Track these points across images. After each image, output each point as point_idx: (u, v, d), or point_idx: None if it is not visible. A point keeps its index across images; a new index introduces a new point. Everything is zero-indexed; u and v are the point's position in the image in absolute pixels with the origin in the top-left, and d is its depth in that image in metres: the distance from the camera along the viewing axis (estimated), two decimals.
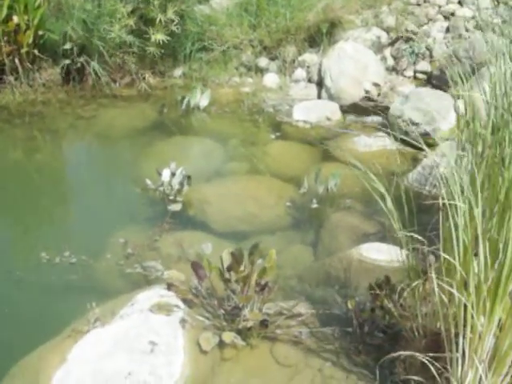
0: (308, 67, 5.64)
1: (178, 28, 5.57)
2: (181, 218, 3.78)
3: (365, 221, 3.69)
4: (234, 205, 3.94)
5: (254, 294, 2.73)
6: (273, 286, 2.79)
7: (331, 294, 3.04)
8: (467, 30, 5.36)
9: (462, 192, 2.02)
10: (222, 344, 2.63)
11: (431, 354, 2.19)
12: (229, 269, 2.72)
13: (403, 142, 4.06)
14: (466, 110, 2.44)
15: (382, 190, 2.43)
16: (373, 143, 4.57)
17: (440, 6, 5.71)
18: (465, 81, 2.52)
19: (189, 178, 4.00)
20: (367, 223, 3.65)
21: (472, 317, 2.03)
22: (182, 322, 2.69)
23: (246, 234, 3.62)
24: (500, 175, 2.02)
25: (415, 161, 4.22)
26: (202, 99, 5.29)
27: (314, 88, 5.51)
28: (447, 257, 2.08)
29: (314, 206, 3.92)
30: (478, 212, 1.93)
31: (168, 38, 5.55)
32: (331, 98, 5.28)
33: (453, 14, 5.58)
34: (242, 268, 2.68)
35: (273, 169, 4.36)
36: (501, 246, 1.93)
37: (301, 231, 3.77)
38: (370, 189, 2.46)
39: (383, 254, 3.08)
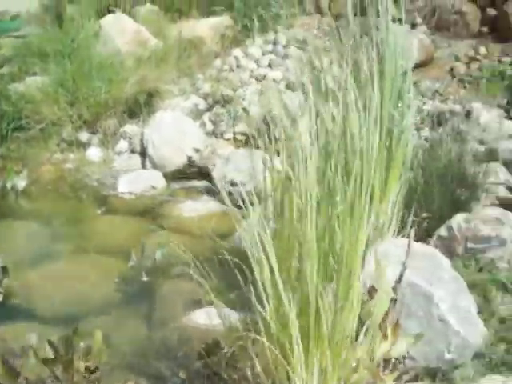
0: (130, 138, 5.63)
1: None
2: (2, 311, 3.53)
3: (196, 286, 3.69)
4: (61, 288, 3.75)
5: (83, 380, 2.60)
6: (103, 368, 2.69)
7: (167, 366, 2.99)
8: (279, 91, 5.68)
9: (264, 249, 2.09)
10: None
11: None
12: (49, 359, 2.57)
13: (228, 203, 4.15)
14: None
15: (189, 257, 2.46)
16: (198, 207, 4.63)
17: (252, 70, 6.01)
18: (278, 138, 2.63)
19: (4, 268, 3.74)
20: (199, 289, 3.66)
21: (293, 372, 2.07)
22: None
23: (76, 317, 3.42)
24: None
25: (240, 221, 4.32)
26: (19, 180, 5.08)
27: (137, 158, 5.50)
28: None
29: (144, 278, 3.86)
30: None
31: None
32: (155, 166, 5.30)
33: (265, 77, 5.91)
34: (63, 354, 2.54)
35: (100, 245, 4.23)
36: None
37: (133, 306, 3.67)
38: (190, 255, 2.48)
39: (214, 319, 3.08)
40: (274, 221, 2.41)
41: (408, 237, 2.61)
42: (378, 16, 3.49)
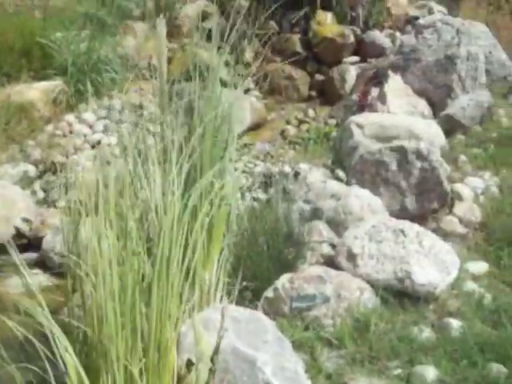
0: None
1: None
2: None
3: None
4: None
5: None
6: None
7: None
8: (113, 156, 5.59)
9: None
10: None
11: None
12: None
13: (60, 275, 3.96)
14: None
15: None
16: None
17: (86, 136, 5.90)
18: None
19: None
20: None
21: None
22: None
23: None
24: None
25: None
26: None
27: None
28: None
29: None
30: None
31: None
32: None
33: (99, 143, 5.81)
34: None
35: None
36: None
37: None
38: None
39: None
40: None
41: (233, 301, 2.62)
42: (209, 80, 3.59)
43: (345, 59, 7.13)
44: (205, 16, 7.62)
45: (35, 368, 2.09)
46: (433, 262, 3.12)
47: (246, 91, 6.63)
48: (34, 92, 6.06)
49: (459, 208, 3.88)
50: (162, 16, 3.60)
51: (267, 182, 4.44)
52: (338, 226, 3.60)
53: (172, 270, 1.98)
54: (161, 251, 1.98)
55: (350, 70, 6.90)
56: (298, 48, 7.34)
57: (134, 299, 2.03)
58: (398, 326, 2.92)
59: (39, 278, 4.35)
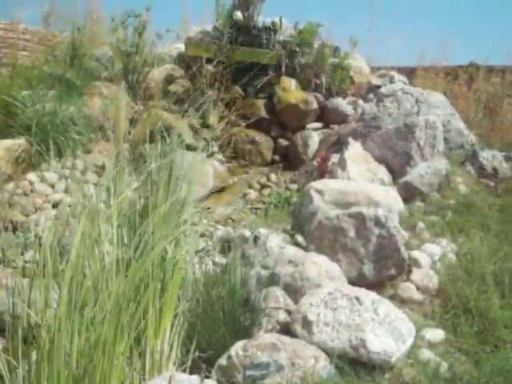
0: None
1: None
2: None
3: None
4: None
5: None
6: None
7: None
8: (74, 216, 5.54)
9: None
10: None
11: None
12: None
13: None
14: None
15: None
16: None
17: (47, 195, 5.84)
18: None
19: None
20: None
21: None
22: None
23: None
24: None
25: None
26: None
27: None
28: None
29: None
30: None
31: None
32: None
33: (60, 202, 5.75)
34: None
35: None
36: None
37: None
38: None
39: None
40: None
41: (187, 369, 2.57)
42: (171, 144, 3.63)
43: (308, 125, 7.27)
44: (171, 79, 7.78)
45: None
46: (388, 330, 3.11)
47: (210, 155, 6.70)
48: None
49: (416, 275, 3.91)
50: (124, 81, 3.65)
51: (227, 245, 4.42)
52: (295, 292, 3.59)
53: (118, 337, 1.94)
54: (108, 315, 1.95)
55: (313, 136, 7.03)
56: (263, 113, 7.47)
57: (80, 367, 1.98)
58: None
59: None
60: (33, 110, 6.27)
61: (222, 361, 2.99)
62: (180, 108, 7.15)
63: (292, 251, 3.93)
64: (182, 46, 8.32)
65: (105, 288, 2.24)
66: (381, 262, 3.87)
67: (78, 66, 7.56)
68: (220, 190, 6.33)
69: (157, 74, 7.86)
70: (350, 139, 5.31)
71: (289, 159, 7.19)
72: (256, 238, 4.43)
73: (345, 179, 4.79)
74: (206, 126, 7.02)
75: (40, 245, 5.26)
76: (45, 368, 2.05)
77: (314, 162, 5.56)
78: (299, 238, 4.32)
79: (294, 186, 6.16)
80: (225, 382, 2.90)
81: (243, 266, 3.73)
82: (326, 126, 7.22)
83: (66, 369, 1.91)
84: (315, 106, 7.33)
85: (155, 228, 2.64)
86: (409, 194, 4.85)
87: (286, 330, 3.30)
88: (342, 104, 7.35)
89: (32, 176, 5.97)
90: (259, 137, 7.33)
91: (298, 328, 3.18)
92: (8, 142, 6.18)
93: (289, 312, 3.42)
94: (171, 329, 2.76)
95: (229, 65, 7.44)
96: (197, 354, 2.86)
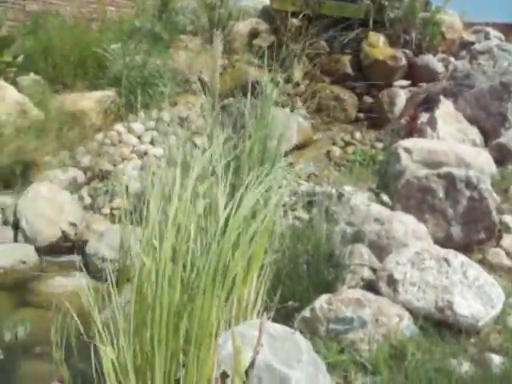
0: (3, 209, 5.39)
1: None
2: None
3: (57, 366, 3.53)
4: None
5: None
6: None
7: None
8: (159, 167, 5.68)
9: None
10: None
11: None
12: None
13: (100, 279, 4.04)
14: None
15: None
16: (68, 283, 4.46)
17: (134, 146, 6.00)
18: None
19: None
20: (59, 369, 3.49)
21: None
22: None
23: None
24: None
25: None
26: None
27: (10, 231, 5.26)
28: None
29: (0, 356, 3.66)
30: None
31: None
32: (27, 240, 5.09)
33: (146, 153, 5.89)
34: None
35: None
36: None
37: None
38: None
39: None
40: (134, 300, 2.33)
41: (270, 318, 2.61)
42: (260, 99, 3.63)
43: (395, 82, 7.07)
44: (256, 33, 7.72)
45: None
46: (477, 294, 3.04)
47: (294, 110, 6.64)
48: (87, 101, 6.21)
49: (507, 240, 3.78)
50: (217, 31, 3.64)
51: (310, 201, 4.42)
52: (380, 250, 3.55)
53: (217, 282, 1.99)
54: (208, 263, 2.01)
55: (400, 94, 6.83)
56: (348, 69, 7.32)
57: (179, 307, 2.05)
58: (436, 357, 2.85)
59: (79, 281, 4.45)
60: (122, 63, 6.39)
61: (306, 313, 3.01)
62: (264, 62, 7.10)
63: (378, 209, 3.87)
64: (266, 0, 8.22)
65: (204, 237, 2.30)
66: (470, 225, 3.76)
67: (164, 20, 7.63)
68: (303, 146, 6.29)
69: (241, 27, 7.82)
70: (441, 98, 5.12)
71: (373, 117, 7.03)
72: (340, 195, 4.41)
73: (434, 139, 4.65)
74: (290, 81, 6.95)
75: (127, 193, 5.50)
76: (143, 310, 2.13)
77: (402, 121, 5.41)
78: (384, 197, 4.25)
79: (380, 145, 6.04)
80: (307, 333, 2.92)
81: (327, 222, 3.72)
82: (414, 83, 6.99)
83: (167, 312, 1.98)
84: (403, 62, 7.10)
85: (249, 182, 2.68)
86: (502, 156, 4.65)
87: (370, 287, 3.28)
88: (432, 61, 7.07)
89: (120, 127, 6.14)
90: (344, 93, 7.19)
91: (382, 286, 3.15)
92: (98, 94, 6.36)
93: (373, 270, 3.40)
94: (258, 278, 2.80)
95: (314, 19, 7.29)
96: (280, 303, 2.89)
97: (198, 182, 2.78)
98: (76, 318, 2.53)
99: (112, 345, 2.16)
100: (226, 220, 2.29)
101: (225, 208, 2.34)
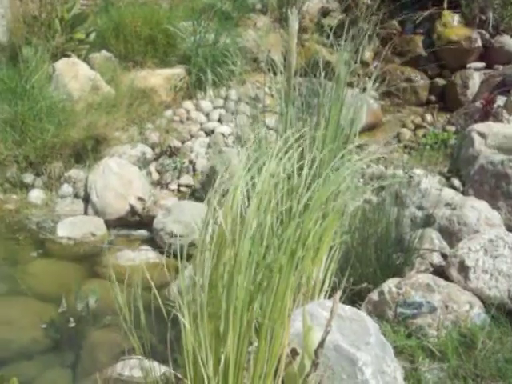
0: (74, 183, 5.55)
1: None
2: None
3: (126, 337, 3.63)
4: None
5: None
6: None
7: None
8: (226, 145, 5.72)
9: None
10: None
11: None
12: None
13: (167, 254, 4.12)
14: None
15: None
16: (136, 257, 4.56)
17: (202, 123, 6.05)
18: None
19: None
20: (128, 339, 3.60)
21: None
22: None
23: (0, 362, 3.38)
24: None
25: (178, 272, 4.29)
26: None
27: (80, 204, 5.41)
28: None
29: (72, 325, 3.80)
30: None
31: None
32: (97, 213, 5.22)
33: (213, 131, 5.94)
34: None
35: (32, 288, 4.17)
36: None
37: (59, 353, 3.61)
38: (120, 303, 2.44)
39: (139, 371, 3.00)
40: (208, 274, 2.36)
41: (342, 299, 2.60)
42: (333, 79, 3.59)
43: (469, 64, 6.84)
44: (326, 12, 7.61)
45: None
46: None
47: (364, 91, 6.53)
48: (157, 78, 6.28)
49: None
50: (293, 9, 3.60)
51: (380, 184, 4.35)
52: (450, 235, 3.48)
53: (294, 260, 2.00)
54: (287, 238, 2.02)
55: (474, 76, 6.61)
56: (420, 50, 7.13)
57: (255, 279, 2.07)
58: (507, 347, 2.78)
59: (148, 255, 4.57)
60: (193, 41, 6.43)
61: (374, 296, 2.99)
62: (334, 42, 7.00)
63: (450, 194, 3.79)
64: None
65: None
66: None
67: None
68: (372, 128, 6.20)
69: (311, 6, 7.72)
70: None
71: (445, 100, 6.84)
72: (410, 179, 4.33)
73: (511, 123, 4.49)
74: (360, 61, 6.83)
75: (194, 170, 5.57)
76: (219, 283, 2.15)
77: (477, 104, 5.25)
78: (456, 182, 4.16)
79: (452, 128, 5.87)
80: (374, 316, 2.90)
81: (396, 206, 3.66)
82: (489, 66, 6.75)
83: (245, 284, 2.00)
84: (479, 43, 6.85)
85: (323, 161, 2.68)
86: None
87: (439, 273, 3.22)
88: (509, 43, 6.81)
89: (188, 104, 6.20)
90: (415, 75, 7.02)
91: (453, 272, 3.09)
92: (167, 71, 6.42)
93: (444, 255, 3.33)
94: (326, 259, 2.79)
95: None
96: (348, 285, 2.87)
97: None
98: (144, 291, 2.58)
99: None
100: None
101: (307, 189, 2.34)
